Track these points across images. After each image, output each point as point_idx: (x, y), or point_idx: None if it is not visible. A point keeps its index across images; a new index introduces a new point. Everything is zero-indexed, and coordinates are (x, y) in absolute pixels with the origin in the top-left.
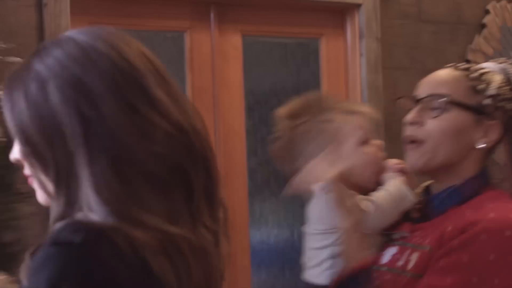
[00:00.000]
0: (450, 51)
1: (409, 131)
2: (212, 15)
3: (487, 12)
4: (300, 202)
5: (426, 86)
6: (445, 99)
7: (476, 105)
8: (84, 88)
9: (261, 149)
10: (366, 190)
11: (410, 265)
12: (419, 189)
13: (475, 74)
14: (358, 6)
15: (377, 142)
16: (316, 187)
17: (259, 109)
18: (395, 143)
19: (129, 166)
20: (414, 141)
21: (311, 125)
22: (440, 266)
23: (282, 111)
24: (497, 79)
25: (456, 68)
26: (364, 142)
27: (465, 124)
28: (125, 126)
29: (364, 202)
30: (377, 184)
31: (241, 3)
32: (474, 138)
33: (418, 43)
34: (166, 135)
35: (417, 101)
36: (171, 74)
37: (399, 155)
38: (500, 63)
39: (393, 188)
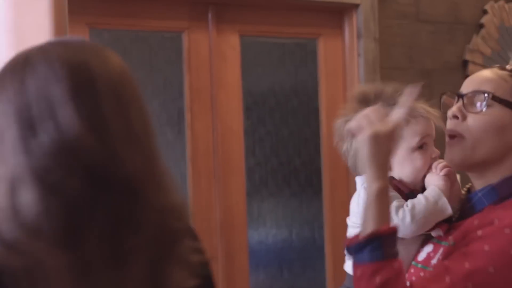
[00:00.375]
0: (448, 51)
1: (450, 125)
2: (210, 16)
3: (485, 12)
4: (298, 202)
5: (470, 83)
6: (488, 94)
7: None
8: None
9: (259, 149)
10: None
11: (433, 261)
12: (462, 191)
13: None
14: (356, 6)
15: (433, 150)
16: (358, 181)
17: (257, 109)
18: None
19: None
20: (454, 136)
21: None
22: (461, 252)
23: (355, 92)
24: None
25: (502, 68)
26: (419, 148)
27: (507, 121)
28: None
29: (400, 211)
30: (423, 184)
31: (239, 4)
32: None
33: (416, 43)
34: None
35: (460, 96)
36: (166, 78)
37: None
38: None
39: (433, 199)
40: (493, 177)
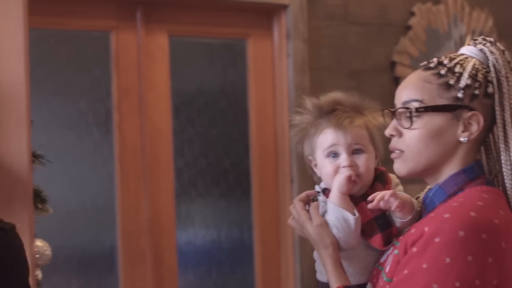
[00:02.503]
0: (376, 52)
1: (391, 143)
2: (138, 15)
3: (412, 14)
4: (227, 203)
5: (399, 94)
6: (415, 108)
7: (450, 101)
8: None
9: (188, 149)
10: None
11: (387, 268)
12: (423, 193)
13: (445, 70)
14: (285, 7)
15: (344, 159)
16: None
17: (186, 109)
18: None
19: None
20: (395, 151)
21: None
22: (404, 276)
23: (309, 104)
24: (469, 66)
25: (427, 68)
26: (329, 157)
27: (441, 124)
28: None
29: (334, 228)
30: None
31: (168, 3)
32: (455, 134)
33: (345, 44)
34: None
35: (393, 113)
36: (93, 78)
37: None
38: (478, 43)
39: (332, 217)
40: (443, 177)
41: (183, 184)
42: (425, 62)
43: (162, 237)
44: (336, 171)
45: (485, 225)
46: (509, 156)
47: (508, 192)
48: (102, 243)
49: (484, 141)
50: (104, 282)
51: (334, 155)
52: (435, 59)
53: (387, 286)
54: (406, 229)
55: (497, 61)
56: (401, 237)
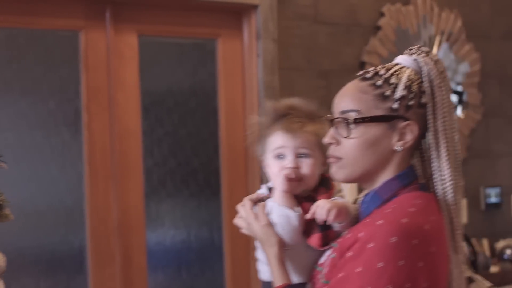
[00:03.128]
0: (345, 52)
1: (329, 151)
2: (107, 15)
3: (382, 14)
4: (196, 203)
5: (337, 103)
6: (352, 118)
7: (386, 111)
8: None
9: (157, 149)
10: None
11: (325, 270)
12: (361, 195)
13: (381, 81)
14: (255, 7)
15: (290, 160)
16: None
17: (155, 109)
18: None
19: None
20: (333, 158)
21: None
22: (339, 278)
23: (267, 108)
24: (405, 77)
25: (364, 78)
26: (276, 158)
27: (377, 134)
28: None
29: (277, 226)
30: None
31: (137, 3)
32: (390, 143)
33: (315, 44)
34: None
35: (331, 121)
36: (62, 77)
37: None
38: (413, 53)
39: (275, 215)
40: (378, 183)
41: (152, 184)
42: (362, 72)
43: (131, 237)
44: (278, 172)
45: (415, 231)
46: (440, 162)
47: (439, 197)
48: (71, 243)
49: (418, 146)
50: (73, 283)
51: (281, 156)
52: (371, 69)
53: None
54: (344, 232)
55: (430, 71)
56: (339, 240)
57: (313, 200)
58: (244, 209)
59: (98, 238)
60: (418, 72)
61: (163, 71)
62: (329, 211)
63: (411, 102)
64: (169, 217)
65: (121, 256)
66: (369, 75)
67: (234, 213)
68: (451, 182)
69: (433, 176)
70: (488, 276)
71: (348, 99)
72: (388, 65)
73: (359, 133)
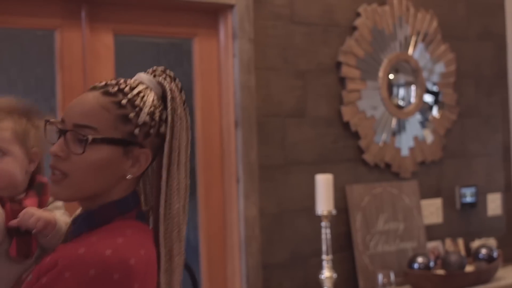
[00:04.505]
0: (322, 52)
1: (52, 161)
2: (83, 14)
3: (358, 15)
4: None
5: (72, 113)
6: (87, 136)
7: (125, 135)
8: None
9: None
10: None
11: None
12: (77, 212)
13: (125, 100)
14: (231, 6)
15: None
16: None
17: None
18: (267, 143)
19: None
20: (57, 172)
21: None
22: None
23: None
24: (149, 102)
25: (107, 93)
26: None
27: (111, 158)
28: None
29: None
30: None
31: (113, 2)
32: (122, 169)
33: (291, 44)
34: None
35: (63, 133)
36: (37, 76)
37: (271, 155)
38: (158, 75)
39: None
40: (96, 205)
41: None
42: (103, 83)
43: None
44: None
45: (118, 265)
46: (168, 197)
47: (158, 228)
48: None
49: (145, 172)
50: None
51: None
52: (113, 83)
53: None
54: (49, 250)
55: (174, 100)
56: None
57: (20, 203)
58: None
59: None
60: (160, 97)
61: (139, 70)
62: (37, 220)
63: (151, 131)
64: None
65: None
66: (113, 90)
67: (210, 213)
68: (173, 214)
69: (159, 210)
70: (463, 276)
71: (86, 113)
72: (131, 82)
73: (91, 152)
